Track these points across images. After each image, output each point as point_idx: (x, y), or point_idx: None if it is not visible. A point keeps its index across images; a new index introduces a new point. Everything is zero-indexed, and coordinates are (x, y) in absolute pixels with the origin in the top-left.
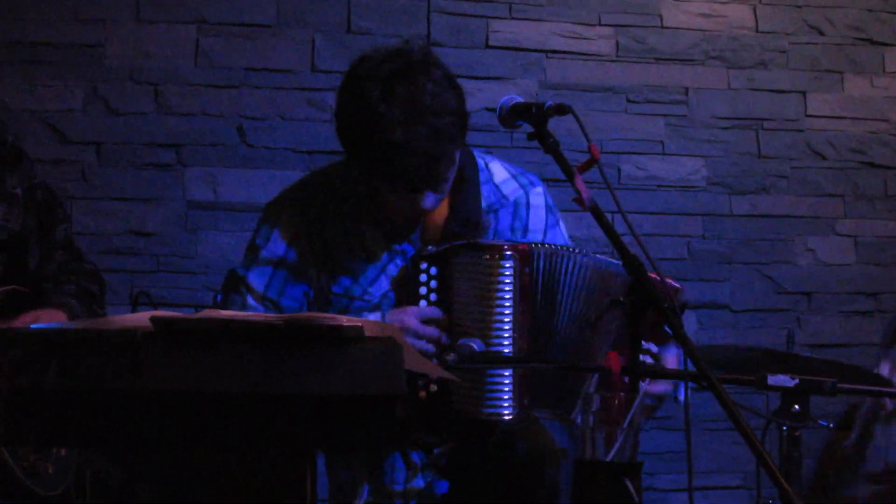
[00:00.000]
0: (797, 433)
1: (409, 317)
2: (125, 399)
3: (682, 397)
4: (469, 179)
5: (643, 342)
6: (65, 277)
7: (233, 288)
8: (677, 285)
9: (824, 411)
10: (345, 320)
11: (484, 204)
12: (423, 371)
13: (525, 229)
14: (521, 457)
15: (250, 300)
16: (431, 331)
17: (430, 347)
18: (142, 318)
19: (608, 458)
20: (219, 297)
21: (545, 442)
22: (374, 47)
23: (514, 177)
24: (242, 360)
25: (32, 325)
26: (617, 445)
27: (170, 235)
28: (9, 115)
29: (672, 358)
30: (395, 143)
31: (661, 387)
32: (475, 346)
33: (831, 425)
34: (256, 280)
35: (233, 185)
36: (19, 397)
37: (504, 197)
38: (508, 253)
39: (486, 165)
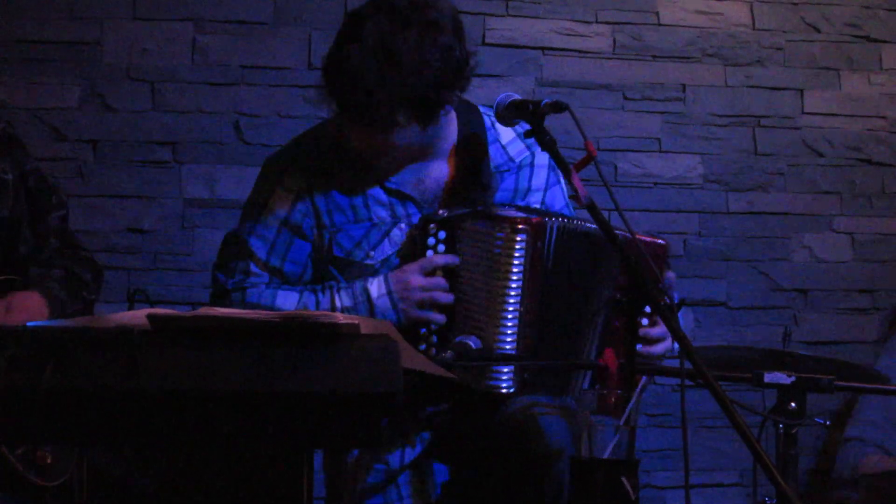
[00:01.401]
0: (794, 431)
1: (412, 274)
2: (122, 397)
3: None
4: (477, 139)
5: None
6: (55, 262)
7: (235, 254)
8: (661, 241)
9: (821, 409)
10: (341, 318)
11: (491, 165)
12: (420, 368)
13: (528, 190)
14: (519, 457)
15: (253, 267)
16: (438, 280)
17: (442, 297)
18: (139, 315)
19: (605, 456)
20: (228, 283)
21: (543, 442)
22: None
23: (519, 136)
24: (239, 357)
25: (29, 323)
26: (613, 443)
27: (166, 233)
28: (5, 111)
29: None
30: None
31: (660, 347)
32: (472, 344)
33: (828, 423)
34: (258, 245)
35: (230, 182)
36: (15, 395)
37: (511, 159)
38: (521, 227)
39: (493, 125)
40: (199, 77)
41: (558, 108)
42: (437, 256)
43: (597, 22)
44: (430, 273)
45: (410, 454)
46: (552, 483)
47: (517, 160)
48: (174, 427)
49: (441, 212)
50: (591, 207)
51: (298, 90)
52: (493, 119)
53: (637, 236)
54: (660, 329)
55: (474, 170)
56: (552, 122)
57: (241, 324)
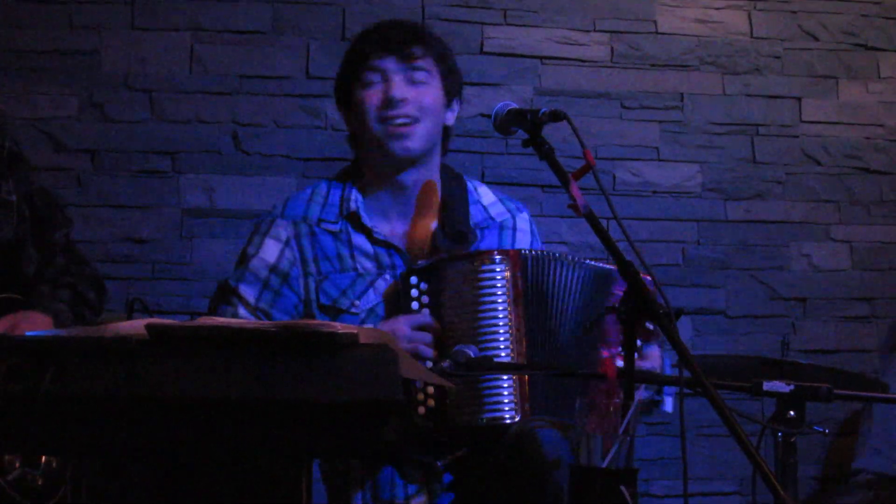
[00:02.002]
0: (792, 439)
1: (401, 324)
2: (120, 406)
3: (668, 408)
4: (457, 197)
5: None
6: (62, 281)
7: (223, 299)
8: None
9: (820, 417)
10: (339, 327)
11: (472, 222)
12: (418, 378)
13: None
14: (521, 470)
15: (241, 311)
16: (424, 335)
17: (427, 351)
18: (137, 325)
19: (603, 465)
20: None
21: (542, 453)
22: None
23: (501, 201)
24: (237, 366)
25: (28, 333)
26: (612, 452)
27: (165, 242)
28: (5, 122)
29: (655, 355)
30: (365, 32)
31: (642, 393)
32: (470, 353)
33: (826, 431)
34: (248, 291)
35: (228, 192)
36: (14, 404)
37: (491, 218)
38: (499, 257)
39: (475, 189)
40: (197, 86)
41: (557, 117)
42: (425, 317)
43: (595, 31)
44: (417, 328)
45: (413, 490)
46: (550, 494)
47: (498, 220)
48: (172, 436)
49: (419, 262)
50: (590, 217)
51: (297, 100)
52: (476, 185)
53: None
54: (645, 363)
55: (455, 223)
56: (550, 131)
57: (239, 333)
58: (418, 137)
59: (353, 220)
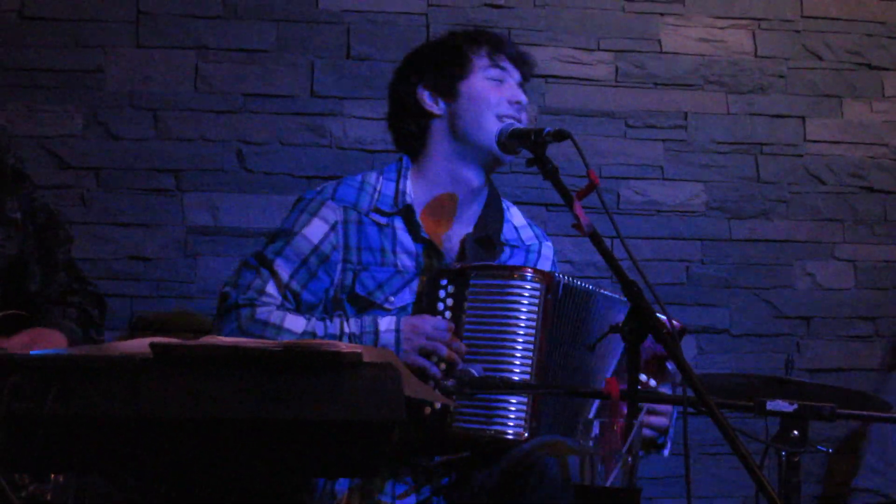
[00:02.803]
0: (796, 458)
1: (425, 321)
2: (124, 425)
3: (665, 453)
4: (495, 210)
5: (642, 377)
6: (67, 300)
7: (254, 268)
8: (676, 323)
9: (823, 436)
10: (343, 346)
11: (503, 237)
12: (422, 397)
13: None
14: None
15: (271, 286)
16: (445, 334)
17: (443, 350)
18: (141, 344)
19: (607, 484)
20: (232, 297)
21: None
22: (369, 74)
23: (530, 225)
24: (241, 386)
25: (32, 352)
26: (616, 471)
27: (169, 261)
28: (9, 140)
29: (668, 412)
30: (494, 35)
31: (660, 420)
32: (474, 372)
33: (830, 450)
34: (284, 266)
35: (232, 210)
36: (18, 423)
37: (521, 239)
38: (530, 275)
39: (508, 209)
40: (201, 105)
41: (560, 136)
42: (449, 323)
43: (599, 49)
44: (439, 329)
45: (401, 490)
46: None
47: (526, 242)
48: (176, 455)
49: (454, 265)
50: (594, 236)
51: (301, 118)
52: (509, 205)
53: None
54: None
55: (489, 228)
56: (554, 150)
57: (243, 352)
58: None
59: (406, 214)
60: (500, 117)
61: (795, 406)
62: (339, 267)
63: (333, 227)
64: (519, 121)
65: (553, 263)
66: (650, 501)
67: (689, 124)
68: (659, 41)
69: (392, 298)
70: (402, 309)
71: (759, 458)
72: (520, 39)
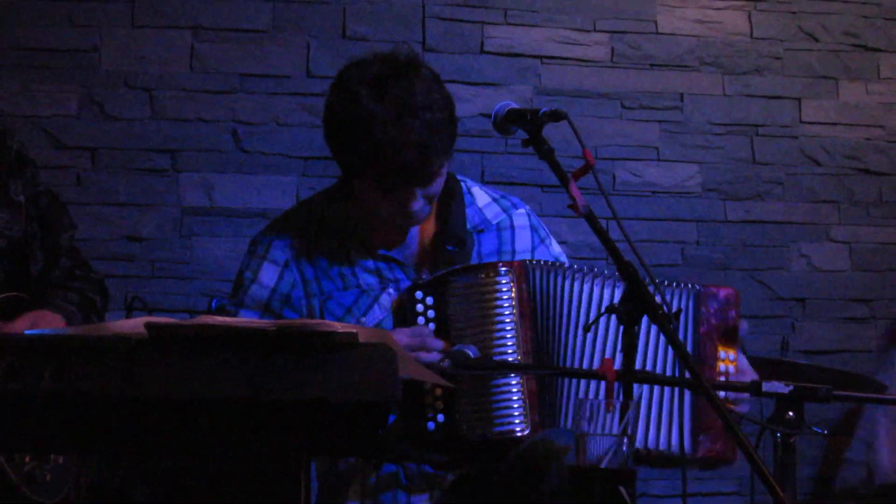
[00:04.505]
0: (791, 440)
1: (400, 335)
2: (119, 404)
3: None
4: (454, 199)
5: (721, 351)
6: (69, 284)
7: None
8: (730, 290)
9: (819, 418)
10: (339, 326)
11: (469, 225)
12: (418, 378)
13: (512, 252)
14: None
15: None
16: (425, 341)
17: (426, 357)
18: (136, 323)
19: (602, 465)
20: (213, 302)
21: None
22: (361, 55)
23: (495, 200)
24: (236, 366)
25: (27, 331)
26: (611, 452)
27: (164, 241)
28: (4, 120)
29: (745, 362)
30: (387, 138)
31: (744, 407)
32: (470, 353)
33: (826, 432)
34: (248, 315)
35: (228, 190)
36: (14, 402)
37: (487, 220)
38: (504, 269)
39: (469, 190)
40: (197, 85)
41: (556, 116)
42: (426, 329)
43: (595, 31)
44: (417, 336)
45: (416, 499)
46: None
47: (494, 222)
48: (171, 435)
49: (424, 276)
50: (589, 217)
51: (297, 98)
52: (470, 186)
53: (706, 287)
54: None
55: (454, 226)
56: (550, 131)
57: (238, 332)
58: (426, 215)
59: (353, 236)
60: (390, 222)
61: (791, 387)
62: (304, 303)
63: (286, 266)
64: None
65: (532, 228)
66: (646, 483)
67: (684, 105)
68: (655, 22)
69: (363, 319)
70: (377, 326)
71: (754, 440)
72: (516, 21)
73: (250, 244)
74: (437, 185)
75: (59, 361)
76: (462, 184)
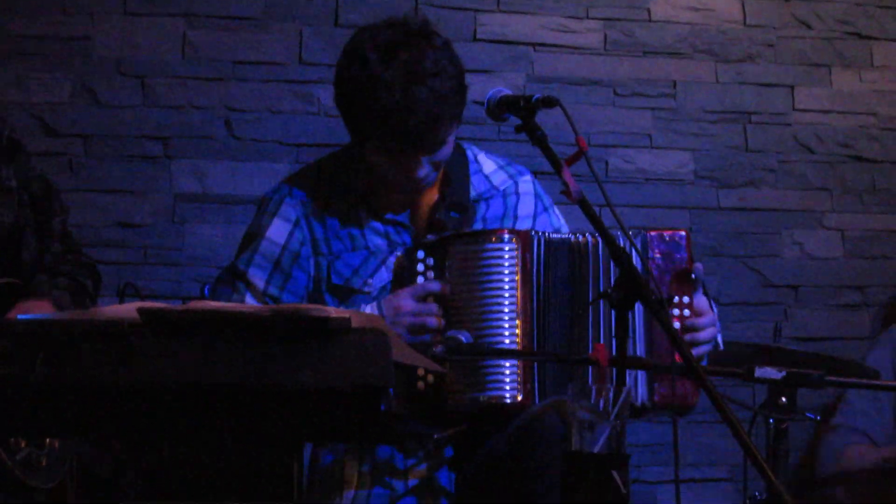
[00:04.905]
0: (784, 426)
1: (404, 299)
2: (112, 390)
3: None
4: (458, 168)
5: (675, 297)
6: (60, 269)
7: (229, 283)
8: (681, 232)
9: (812, 404)
10: (332, 311)
11: (473, 193)
12: (411, 363)
13: (515, 217)
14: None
15: (248, 299)
16: (429, 306)
17: (432, 322)
18: (129, 309)
19: (596, 450)
20: (206, 289)
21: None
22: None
23: (502, 167)
24: (230, 351)
25: (19, 316)
26: (604, 437)
27: (157, 228)
28: (9, 117)
29: (703, 302)
30: (395, 103)
31: (702, 334)
32: (462, 339)
33: (818, 418)
34: (258, 275)
35: (220, 177)
36: (6, 388)
37: (494, 187)
38: (507, 237)
39: (476, 157)
40: (189, 72)
41: (549, 103)
42: (429, 283)
43: (588, 18)
44: (421, 298)
45: (414, 481)
46: (550, 483)
47: (500, 188)
48: (164, 420)
49: (429, 237)
50: (582, 202)
51: (289, 86)
52: (476, 153)
53: (653, 231)
54: (704, 318)
55: (457, 195)
56: (543, 119)
57: (231, 317)
58: (433, 181)
59: (364, 199)
60: (397, 186)
61: (784, 373)
62: (312, 261)
63: (297, 224)
64: (423, 184)
65: (536, 195)
66: (638, 468)
67: (677, 93)
68: (648, 9)
69: (370, 281)
70: (383, 289)
71: (747, 426)
72: (508, 8)
73: (261, 202)
74: (444, 153)
75: (51, 346)
76: (468, 152)
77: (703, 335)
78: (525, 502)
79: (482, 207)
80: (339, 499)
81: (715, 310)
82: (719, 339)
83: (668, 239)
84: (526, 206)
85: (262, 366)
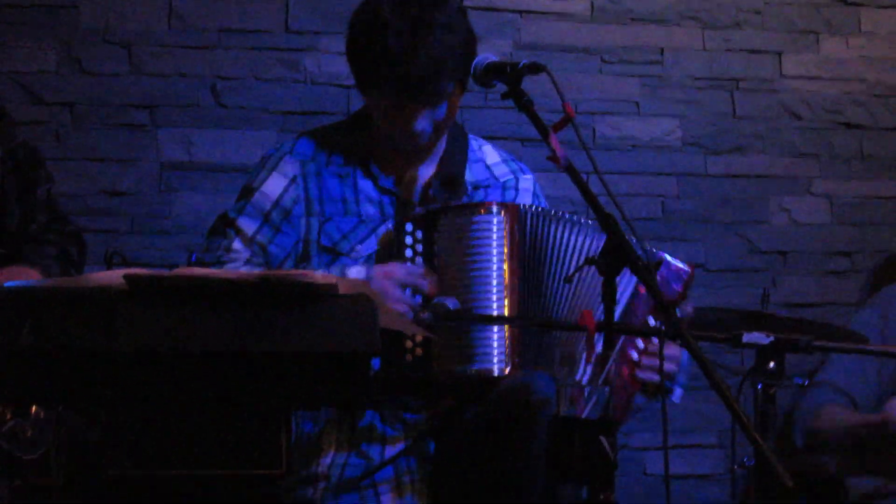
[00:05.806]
0: (772, 391)
1: (397, 267)
2: (99, 357)
3: (676, 398)
4: (458, 152)
5: (652, 319)
6: (46, 238)
7: (220, 231)
8: (686, 268)
9: (800, 370)
10: (319, 277)
11: (471, 178)
12: (398, 329)
13: None
14: (509, 419)
15: (237, 243)
16: (418, 280)
17: (424, 284)
18: (115, 275)
19: (583, 415)
20: (193, 257)
21: (533, 397)
22: (340, 10)
23: (506, 161)
24: (216, 317)
25: (6, 284)
26: (591, 402)
27: (144, 196)
28: None
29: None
30: (400, 47)
31: (668, 366)
32: (450, 305)
33: (806, 382)
34: (247, 223)
35: (206, 145)
36: None
37: (494, 178)
38: (495, 209)
39: (480, 147)
40: (176, 40)
41: (536, 69)
42: (421, 268)
43: None
44: (413, 273)
45: (391, 450)
46: (537, 443)
47: (501, 180)
48: (151, 387)
49: (417, 210)
50: (570, 169)
51: (276, 53)
52: (481, 144)
53: (668, 256)
54: (672, 349)
55: (451, 175)
56: (530, 87)
57: (217, 283)
58: (431, 144)
59: (363, 165)
60: (397, 140)
61: (772, 338)
62: (304, 221)
63: (293, 181)
64: (421, 140)
65: (534, 195)
66: (626, 435)
67: (664, 60)
68: None
69: (358, 247)
70: (369, 257)
71: (735, 392)
72: None
73: (262, 158)
74: (444, 112)
75: (38, 313)
76: (472, 141)
77: (667, 367)
78: (507, 470)
79: (480, 195)
80: (315, 466)
81: (685, 353)
82: (680, 380)
83: (672, 268)
84: (524, 202)
85: (249, 332)
